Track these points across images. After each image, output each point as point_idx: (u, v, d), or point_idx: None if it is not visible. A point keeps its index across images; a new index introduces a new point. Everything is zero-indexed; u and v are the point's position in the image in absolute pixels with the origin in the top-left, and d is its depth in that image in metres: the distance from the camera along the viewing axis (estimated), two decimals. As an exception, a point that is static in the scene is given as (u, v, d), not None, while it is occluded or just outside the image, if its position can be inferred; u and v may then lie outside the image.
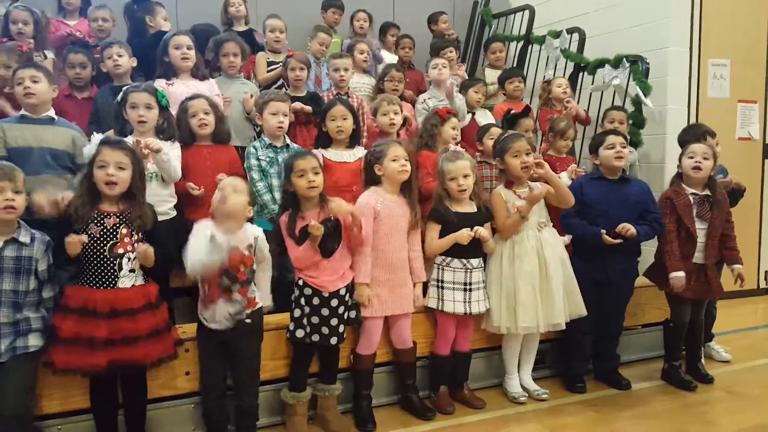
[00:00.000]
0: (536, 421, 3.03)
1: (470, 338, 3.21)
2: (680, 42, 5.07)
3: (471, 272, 3.08)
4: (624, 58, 4.76)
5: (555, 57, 5.40)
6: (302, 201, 2.80)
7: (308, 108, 3.79)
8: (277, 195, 3.22)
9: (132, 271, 2.47)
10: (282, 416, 2.93)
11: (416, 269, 3.03)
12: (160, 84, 3.52)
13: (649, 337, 3.89)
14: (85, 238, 2.36)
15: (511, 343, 3.29)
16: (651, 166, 4.97)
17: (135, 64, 3.72)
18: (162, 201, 3.01)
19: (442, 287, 3.06)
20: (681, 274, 3.28)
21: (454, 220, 3.03)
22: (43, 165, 2.85)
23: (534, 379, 3.37)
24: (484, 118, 4.48)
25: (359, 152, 3.38)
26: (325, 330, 2.78)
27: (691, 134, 3.73)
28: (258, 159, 3.27)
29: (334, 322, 2.79)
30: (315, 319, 2.78)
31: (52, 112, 2.99)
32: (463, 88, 4.52)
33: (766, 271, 5.59)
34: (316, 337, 2.78)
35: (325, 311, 2.78)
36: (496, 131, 3.73)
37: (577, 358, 3.44)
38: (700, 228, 3.32)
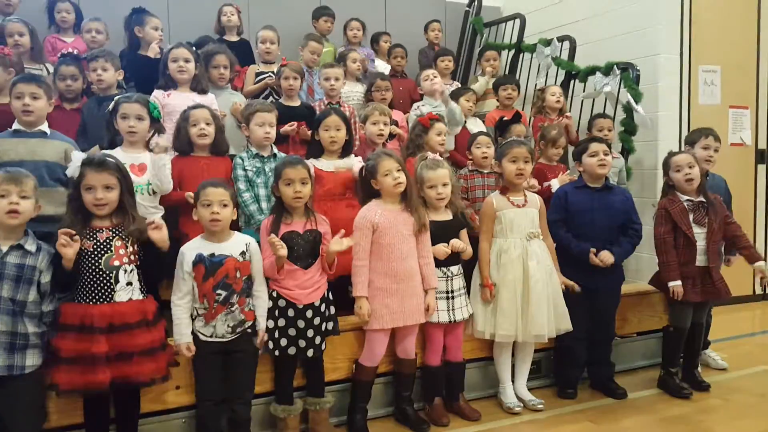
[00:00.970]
0: (532, 432, 3.00)
1: (461, 347, 3.18)
2: (671, 49, 5.08)
3: (452, 280, 3.07)
4: (615, 66, 4.77)
5: (546, 65, 5.41)
6: (289, 209, 2.79)
7: (305, 134, 3.74)
8: (264, 205, 3.21)
9: (129, 284, 2.44)
10: (273, 430, 2.89)
11: (426, 276, 2.98)
12: (157, 95, 3.52)
13: (645, 345, 3.87)
14: (77, 242, 2.32)
15: (501, 351, 3.27)
16: (644, 173, 4.97)
17: (121, 77, 3.70)
18: (147, 213, 2.95)
19: None
20: (679, 283, 3.29)
21: (430, 228, 3.01)
22: (38, 178, 2.76)
23: (530, 389, 3.34)
24: (475, 126, 4.47)
25: (350, 161, 3.36)
26: (302, 342, 2.75)
27: (693, 134, 3.73)
28: (244, 169, 3.24)
29: (310, 333, 2.76)
30: (292, 332, 2.74)
31: (45, 126, 2.96)
32: (453, 97, 4.51)
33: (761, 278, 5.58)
34: (292, 350, 2.74)
35: (300, 323, 2.74)
36: (483, 140, 3.72)
37: (570, 365, 3.42)
38: (699, 232, 3.32)
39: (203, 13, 5.06)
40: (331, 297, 2.89)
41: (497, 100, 4.82)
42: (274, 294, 2.76)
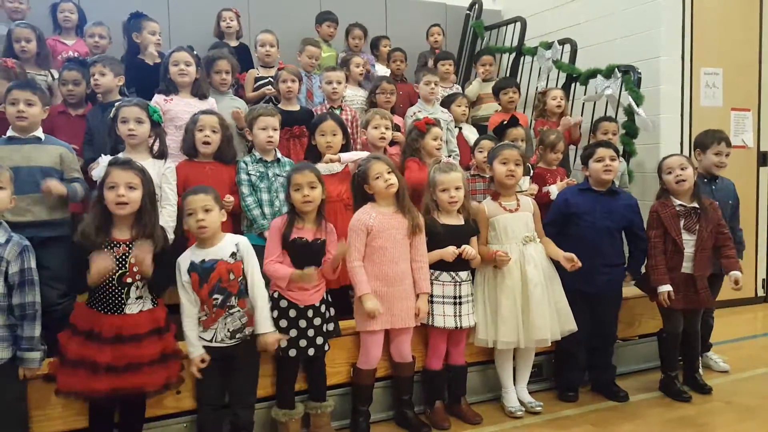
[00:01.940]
0: (533, 436, 3.00)
1: (463, 352, 3.18)
2: (672, 51, 5.08)
3: (460, 285, 3.05)
4: (616, 68, 4.78)
5: (547, 68, 5.42)
6: (300, 214, 2.80)
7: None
8: (267, 210, 3.22)
9: (139, 298, 2.46)
10: (275, 435, 2.89)
11: (419, 280, 2.98)
12: (158, 100, 3.53)
13: (646, 347, 3.86)
14: (109, 263, 2.34)
15: (503, 357, 3.26)
16: (645, 176, 4.96)
17: (122, 82, 3.69)
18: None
19: (432, 301, 3.02)
20: (667, 287, 3.28)
21: (441, 232, 3.02)
22: (32, 184, 2.82)
23: (531, 392, 3.34)
24: (470, 131, 4.49)
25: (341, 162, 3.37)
26: (302, 342, 2.76)
27: (706, 138, 3.69)
28: (248, 174, 3.26)
29: (311, 333, 2.77)
30: (293, 332, 2.75)
31: (39, 132, 2.96)
32: (445, 104, 4.52)
33: (763, 279, 5.58)
34: (293, 352, 2.75)
35: (302, 323, 2.76)
36: (486, 144, 3.73)
37: (572, 369, 3.42)
38: (688, 239, 3.30)
39: (204, 17, 5.07)
40: (330, 299, 2.90)
41: (499, 104, 4.81)
42: (276, 295, 2.77)
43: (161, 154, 3.12)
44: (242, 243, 2.66)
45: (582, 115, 4.99)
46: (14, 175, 2.76)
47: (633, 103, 4.60)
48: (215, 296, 2.55)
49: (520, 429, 3.07)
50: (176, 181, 3.12)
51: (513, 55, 6.01)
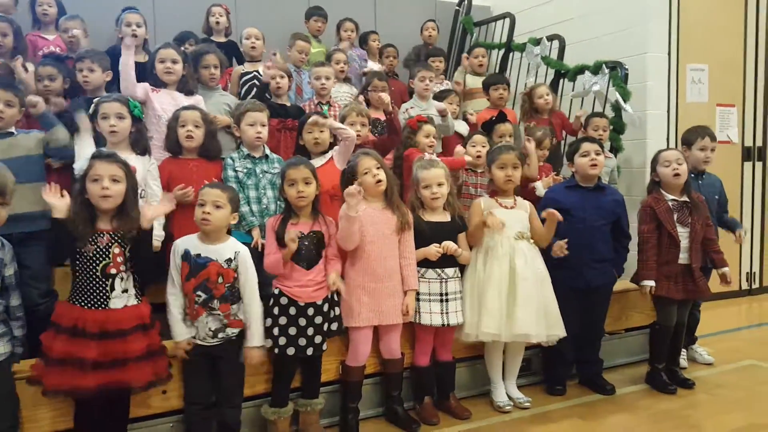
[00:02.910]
0: (522, 430, 3.02)
1: (451, 348, 3.19)
2: (659, 48, 5.13)
3: (446, 282, 3.06)
4: (603, 65, 4.81)
5: (536, 64, 5.44)
6: (295, 209, 2.81)
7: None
8: (255, 207, 3.21)
9: (125, 291, 2.43)
10: (264, 432, 2.89)
11: (407, 277, 2.98)
12: (146, 87, 3.49)
13: (634, 341, 3.91)
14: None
15: (492, 351, 3.28)
16: (632, 172, 5.01)
17: (109, 78, 3.66)
18: None
19: (418, 299, 3.03)
20: (651, 283, 3.34)
21: (426, 230, 3.02)
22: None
23: (520, 386, 3.36)
24: (461, 127, 4.49)
25: (328, 154, 3.36)
26: (301, 341, 2.75)
27: (691, 134, 3.74)
28: (235, 170, 3.23)
29: (310, 332, 2.77)
30: (292, 330, 2.75)
31: (12, 128, 2.95)
32: (436, 99, 4.52)
33: (747, 273, 5.65)
34: (291, 350, 2.74)
35: (302, 321, 2.75)
36: (479, 139, 3.76)
37: (560, 363, 3.45)
38: (682, 232, 3.35)
39: (190, 12, 5.02)
40: (336, 298, 2.88)
41: (488, 100, 4.83)
42: (276, 291, 2.76)
43: (143, 150, 3.09)
44: (243, 253, 2.62)
45: (570, 112, 5.02)
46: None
47: (620, 99, 4.64)
48: (198, 293, 2.54)
49: (509, 424, 3.10)
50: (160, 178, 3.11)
51: (502, 51, 6.03)
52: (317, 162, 3.27)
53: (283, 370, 2.83)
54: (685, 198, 3.38)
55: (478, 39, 6.36)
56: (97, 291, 2.37)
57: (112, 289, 2.39)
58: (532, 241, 3.21)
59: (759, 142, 5.67)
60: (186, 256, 2.56)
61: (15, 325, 2.38)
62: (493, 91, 4.73)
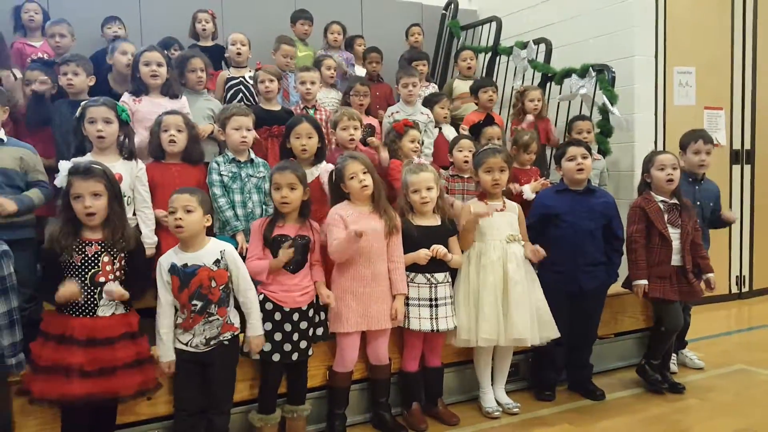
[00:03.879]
0: (510, 436, 3.00)
1: (440, 353, 3.16)
2: (645, 51, 5.13)
3: (436, 287, 3.02)
4: (590, 68, 4.81)
5: (523, 68, 5.43)
6: (281, 213, 2.78)
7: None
8: (240, 211, 3.18)
9: (112, 300, 2.41)
10: (250, 439, 2.85)
11: (395, 281, 2.95)
12: (126, 100, 3.46)
13: (624, 345, 3.89)
14: (77, 291, 2.33)
15: (481, 356, 3.25)
16: (620, 174, 5.01)
17: (93, 82, 3.64)
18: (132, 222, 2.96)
19: (408, 304, 2.99)
20: (644, 282, 3.32)
21: (415, 234, 2.99)
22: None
23: (508, 392, 3.33)
24: (451, 132, 4.47)
25: (317, 171, 3.29)
26: (287, 347, 2.72)
27: (685, 137, 3.72)
28: (220, 174, 3.20)
29: (296, 337, 2.74)
30: (277, 336, 2.72)
31: (1, 133, 2.91)
32: (428, 104, 4.50)
33: (737, 277, 5.65)
34: (276, 356, 2.71)
35: (287, 326, 2.73)
36: (465, 144, 3.72)
37: (549, 368, 3.42)
38: (673, 232, 3.34)
39: (176, 18, 5.00)
40: (321, 303, 2.86)
41: (476, 103, 4.80)
42: (261, 297, 2.73)
43: (130, 155, 3.05)
44: (228, 251, 2.59)
45: (557, 115, 5.01)
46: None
47: (607, 102, 4.64)
48: (194, 302, 2.51)
49: (498, 429, 3.06)
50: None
51: (489, 54, 6.02)
52: (311, 171, 3.22)
53: (269, 376, 2.80)
54: (675, 200, 3.38)
55: (464, 43, 6.36)
56: (86, 299, 2.37)
57: (101, 297, 2.39)
58: (522, 243, 3.19)
59: (747, 145, 5.69)
60: (173, 269, 2.52)
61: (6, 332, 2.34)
62: (482, 94, 4.70)
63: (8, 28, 4.36)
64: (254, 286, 2.68)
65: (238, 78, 4.36)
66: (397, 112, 4.35)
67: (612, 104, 4.62)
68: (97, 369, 2.31)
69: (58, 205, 2.47)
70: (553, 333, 3.17)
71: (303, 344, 2.76)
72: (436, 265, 3.01)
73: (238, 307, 2.66)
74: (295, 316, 2.74)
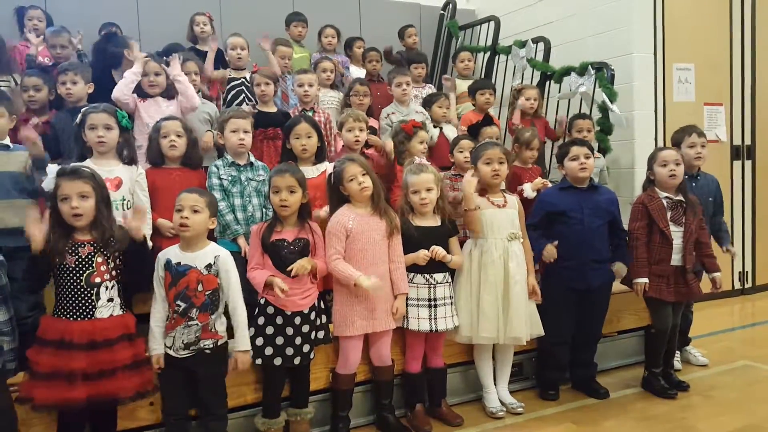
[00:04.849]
0: (515, 436, 2.99)
1: (442, 354, 3.15)
2: (644, 48, 5.12)
3: (435, 287, 3.01)
4: (589, 66, 4.80)
5: (521, 66, 5.42)
6: (279, 217, 2.78)
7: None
8: (240, 215, 3.17)
9: (110, 300, 2.41)
10: (254, 444, 2.84)
11: (396, 281, 2.95)
12: (134, 97, 3.52)
13: (626, 343, 3.87)
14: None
15: (482, 355, 3.24)
16: (620, 172, 5.00)
17: (91, 89, 3.63)
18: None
19: (407, 304, 2.98)
20: (644, 280, 3.30)
21: (414, 235, 2.98)
22: (2, 190, 2.78)
23: (512, 392, 3.32)
24: (451, 131, 4.46)
25: (323, 166, 3.32)
26: (289, 351, 2.71)
27: (678, 133, 3.72)
28: (220, 178, 3.19)
29: (298, 341, 2.73)
30: (279, 340, 2.71)
31: (7, 140, 2.93)
32: (426, 104, 4.49)
33: (740, 273, 5.64)
34: (278, 360, 2.71)
35: (289, 330, 2.72)
36: (466, 144, 3.71)
37: (553, 367, 3.41)
38: (675, 231, 3.31)
39: (174, 21, 4.99)
40: (323, 306, 2.85)
41: (474, 104, 4.79)
42: (263, 301, 2.73)
43: (131, 160, 3.06)
44: (223, 257, 2.57)
45: (557, 113, 5.00)
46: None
47: (607, 100, 4.63)
48: (178, 302, 2.49)
49: (502, 429, 3.05)
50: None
51: (488, 54, 6.02)
52: (309, 172, 3.22)
53: (272, 380, 2.79)
54: (680, 197, 3.34)
55: (463, 43, 6.35)
56: (83, 301, 2.35)
57: (98, 298, 2.38)
58: (521, 240, 3.18)
59: (747, 141, 5.67)
60: (168, 265, 2.53)
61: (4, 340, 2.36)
62: (480, 96, 4.69)
63: (9, 29, 4.37)
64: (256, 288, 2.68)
65: (239, 79, 4.38)
66: (393, 113, 4.34)
67: (611, 102, 4.61)
68: (98, 371, 2.30)
69: (48, 209, 2.45)
70: (540, 330, 3.18)
71: (305, 348, 2.75)
72: (436, 265, 3.00)
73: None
74: (297, 320, 2.73)
